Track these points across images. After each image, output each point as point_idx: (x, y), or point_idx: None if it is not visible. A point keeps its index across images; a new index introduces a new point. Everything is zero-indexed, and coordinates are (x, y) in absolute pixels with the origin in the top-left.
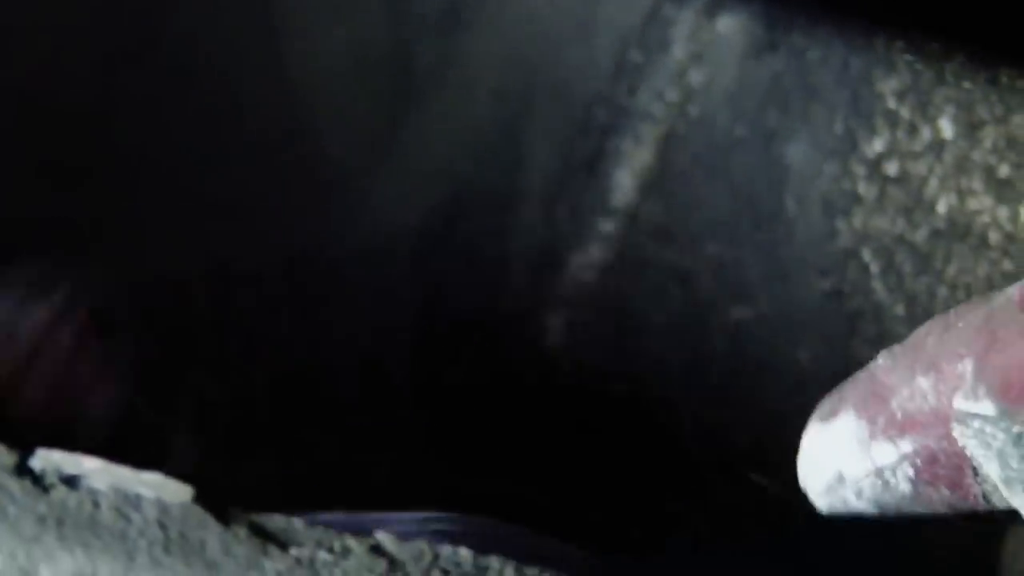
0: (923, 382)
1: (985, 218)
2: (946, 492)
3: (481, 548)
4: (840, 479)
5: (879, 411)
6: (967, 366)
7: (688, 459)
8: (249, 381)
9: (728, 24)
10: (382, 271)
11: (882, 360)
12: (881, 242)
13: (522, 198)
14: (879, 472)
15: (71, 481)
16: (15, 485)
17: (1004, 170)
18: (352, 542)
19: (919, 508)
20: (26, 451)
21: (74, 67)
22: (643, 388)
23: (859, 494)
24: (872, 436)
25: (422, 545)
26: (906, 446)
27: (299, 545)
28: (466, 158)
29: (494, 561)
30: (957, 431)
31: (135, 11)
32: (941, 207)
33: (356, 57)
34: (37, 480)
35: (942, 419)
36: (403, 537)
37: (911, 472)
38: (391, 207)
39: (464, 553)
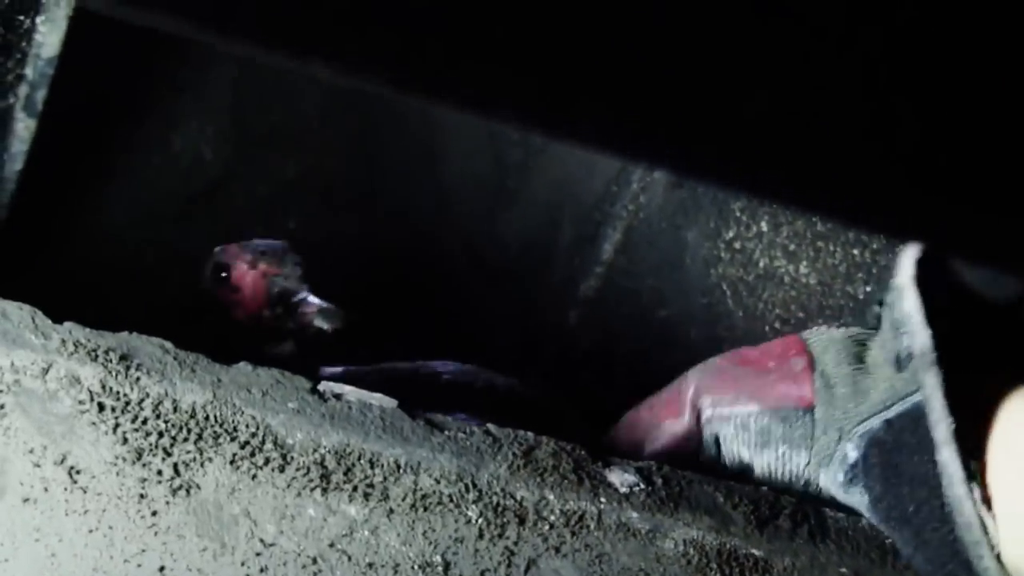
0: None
1: (782, 270)
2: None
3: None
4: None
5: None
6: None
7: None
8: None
9: (658, 172)
10: (497, 266)
11: (644, 405)
12: (730, 280)
13: (557, 253)
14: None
15: (337, 396)
16: (310, 397)
17: (792, 247)
18: (474, 427)
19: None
20: (315, 381)
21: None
22: (611, 339)
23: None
24: (655, 425)
25: (511, 430)
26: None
27: (448, 429)
28: (534, 226)
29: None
30: (718, 427)
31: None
32: (761, 264)
33: (474, 157)
34: (321, 395)
35: (689, 422)
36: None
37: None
38: (498, 240)
39: (530, 435)
